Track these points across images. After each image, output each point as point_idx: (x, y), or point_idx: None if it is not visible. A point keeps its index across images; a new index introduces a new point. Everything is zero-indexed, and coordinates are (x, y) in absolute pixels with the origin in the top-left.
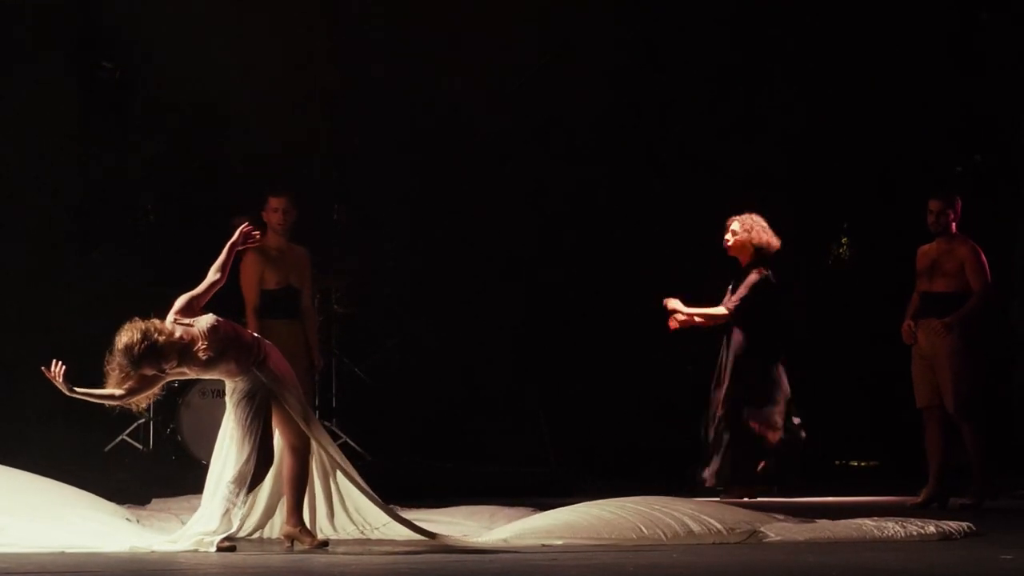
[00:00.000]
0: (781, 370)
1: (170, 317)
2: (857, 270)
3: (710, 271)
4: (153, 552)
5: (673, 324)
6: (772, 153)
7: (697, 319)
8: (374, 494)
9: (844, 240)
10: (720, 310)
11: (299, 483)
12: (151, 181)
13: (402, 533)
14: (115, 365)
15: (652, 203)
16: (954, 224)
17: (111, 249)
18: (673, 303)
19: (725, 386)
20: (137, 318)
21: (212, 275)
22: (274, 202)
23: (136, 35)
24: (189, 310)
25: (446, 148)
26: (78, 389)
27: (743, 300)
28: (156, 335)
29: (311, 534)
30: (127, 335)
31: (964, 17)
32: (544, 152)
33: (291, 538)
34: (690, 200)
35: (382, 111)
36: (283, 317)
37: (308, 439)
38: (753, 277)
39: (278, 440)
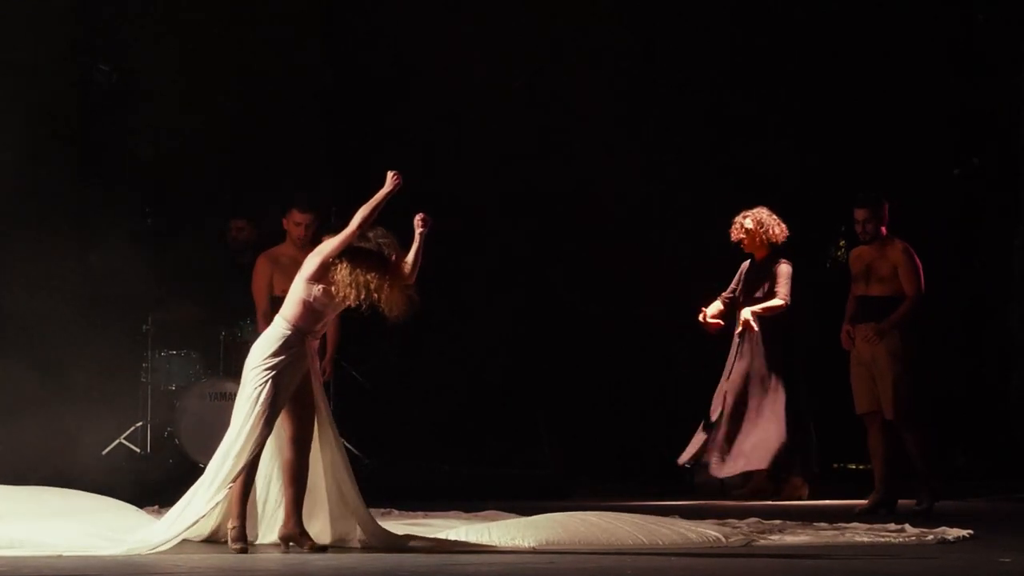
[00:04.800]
0: None
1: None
2: None
3: (709, 272)
4: (151, 553)
5: (744, 326)
6: (770, 155)
7: (758, 312)
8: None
9: (841, 243)
10: (778, 301)
11: (298, 479)
12: (150, 183)
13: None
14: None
15: (651, 205)
16: (884, 228)
17: (109, 252)
18: (745, 313)
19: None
20: None
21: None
22: (298, 216)
23: (137, 36)
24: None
25: (446, 149)
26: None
27: (790, 289)
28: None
29: (309, 537)
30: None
31: (962, 19)
32: (544, 153)
33: (288, 541)
34: (689, 202)
35: (381, 111)
36: None
37: (311, 431)
38: (787, 268)
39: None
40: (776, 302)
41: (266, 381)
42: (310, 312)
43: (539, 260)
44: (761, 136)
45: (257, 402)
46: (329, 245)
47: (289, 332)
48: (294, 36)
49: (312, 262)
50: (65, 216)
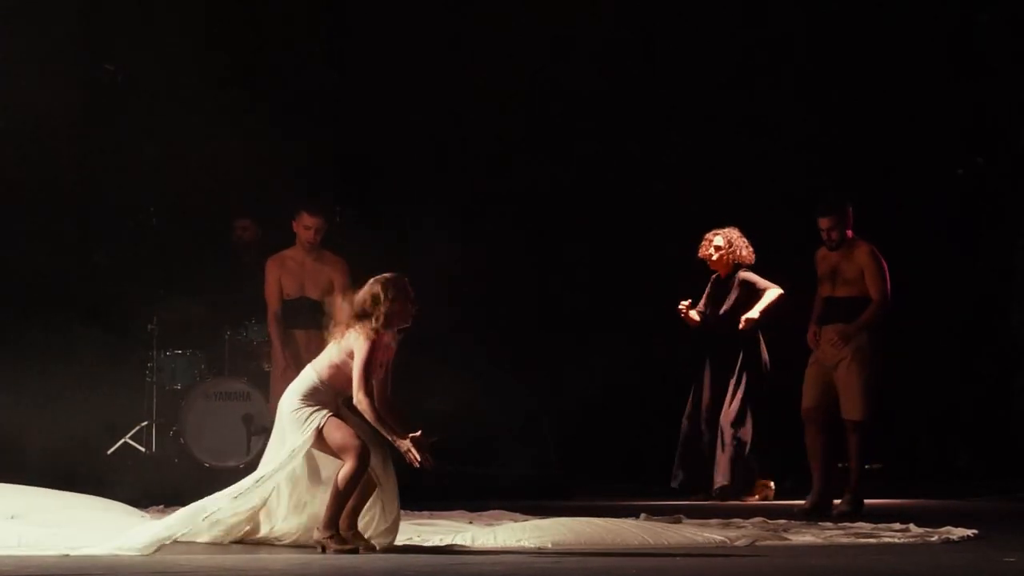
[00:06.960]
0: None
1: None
2: None
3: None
4: (152, 551)
5: (746, 325)
6: (770, 155)
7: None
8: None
9: None
10: (774, 292)
11: (364, 489)
12: (153, 183)
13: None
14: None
15: (653, 205)
16: (849, 231)
17: (113, 252)
18: (749, 316)
19: (745, 386)
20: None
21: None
22: (308, 219)
23: (138, 35)
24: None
25: (448, 148)
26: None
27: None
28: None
29: (363, 538)
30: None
31: (964, 19)
32: (545, 154)
33: (323, 545)
34: (691, 202)
35: (383, 111)
36: (298, 327)
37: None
38: (748, 272)
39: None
40: (773, 293)
41: (307, 428)
42: (341, 374)
43: (539, 260)
44: (762, 136)
45: (291, 451)
46: (357, 360)
47: (320, 387)
48: (296, 36)
49: (343, 353)
50: (68, 216)
